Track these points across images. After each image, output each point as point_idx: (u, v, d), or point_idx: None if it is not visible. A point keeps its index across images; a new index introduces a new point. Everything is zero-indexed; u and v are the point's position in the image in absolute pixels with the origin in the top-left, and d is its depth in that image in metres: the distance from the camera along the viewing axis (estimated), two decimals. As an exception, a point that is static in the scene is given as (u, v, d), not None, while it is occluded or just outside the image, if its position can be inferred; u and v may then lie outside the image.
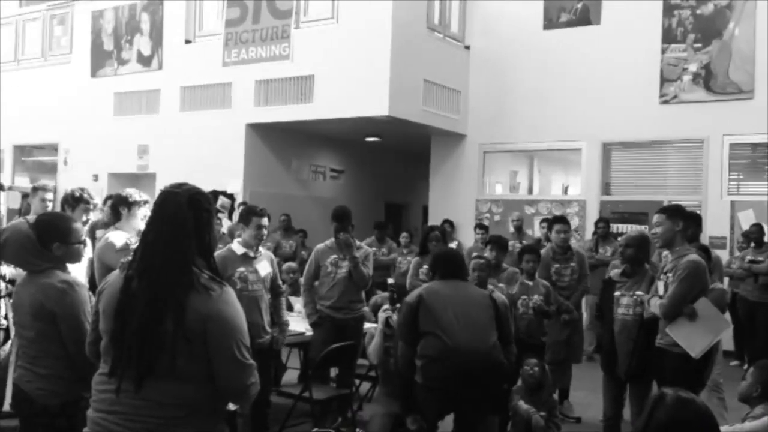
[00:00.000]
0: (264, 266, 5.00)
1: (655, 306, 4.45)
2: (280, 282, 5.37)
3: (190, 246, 2.18)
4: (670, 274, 4.44)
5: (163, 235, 2.18)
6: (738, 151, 9.38)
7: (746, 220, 8.93)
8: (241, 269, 4.87)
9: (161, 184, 2.45)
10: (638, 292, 4.80)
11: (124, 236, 4.35)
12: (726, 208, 9.25)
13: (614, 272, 5.13)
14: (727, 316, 5.59)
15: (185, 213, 2.19)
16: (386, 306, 5.17)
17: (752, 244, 8.23)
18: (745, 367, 7.55)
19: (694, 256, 4.44)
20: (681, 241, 4.54)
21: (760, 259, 8.03)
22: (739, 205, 9.22)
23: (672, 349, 4.37)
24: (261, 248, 5.10)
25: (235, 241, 5.10)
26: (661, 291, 4.53)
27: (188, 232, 2.19)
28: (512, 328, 5.31)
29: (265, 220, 4.99)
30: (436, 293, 4.24)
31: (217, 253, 4.90)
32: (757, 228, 8.33)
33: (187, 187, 2.27)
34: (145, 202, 4.43)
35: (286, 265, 7.60)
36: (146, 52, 12.18)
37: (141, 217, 4.36)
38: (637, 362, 4.73)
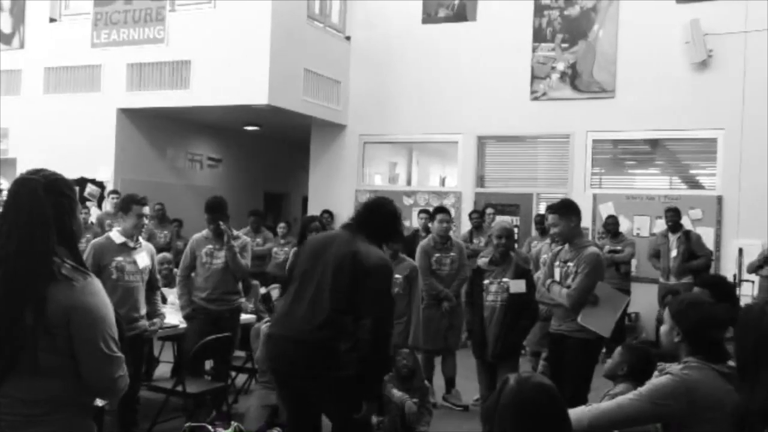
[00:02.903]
0: (143, 258, 4.85)
1: (560, 295, 4.75)
2: (158, 276, 5.23)
3: (49, 234, 2.07)
4: (570, 264, 4.78)
5: (18, 223, 2.06)
6: (600, 147, 9.96)
7: (607, 212, 9.52)
8: (119, 259, 4.71)
9: (22, 170, 2.34)
10: (504, 279, 5.07)
11: None
12: (589, 201, 9.77)
13: (482, 261, 5.36)
14: None
15: (42, 200, 2.08)
16: (267, 318, 5.16)
17: (609, 235, 8.82)
18: (604, 351, 8.04)
19: (594, 249, 4.84)
20: (578, 234, 4.89)
21: (619, 248, 8.60)
22: (601, 197, 9.80)
23: (573, 335, 4.71)
24: (142, 240, 4.96)
25: (114, 229, 4.94)
26: (557, 277, 4.82)
27: (47, 220, 2.07)
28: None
29: (146, 209, 4.88)
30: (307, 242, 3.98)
31: (94, 241, 4.83)
32: (613, 219, 8.93)
33: (45, 173, 2.16)
34: (0, 190, 4.15)
35: (160, 256, 7.31)
36: (6, 29, 11.38)
37: None
38: (503, 345, 5.00)
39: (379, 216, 3.77)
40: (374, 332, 3.36)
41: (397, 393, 5.06)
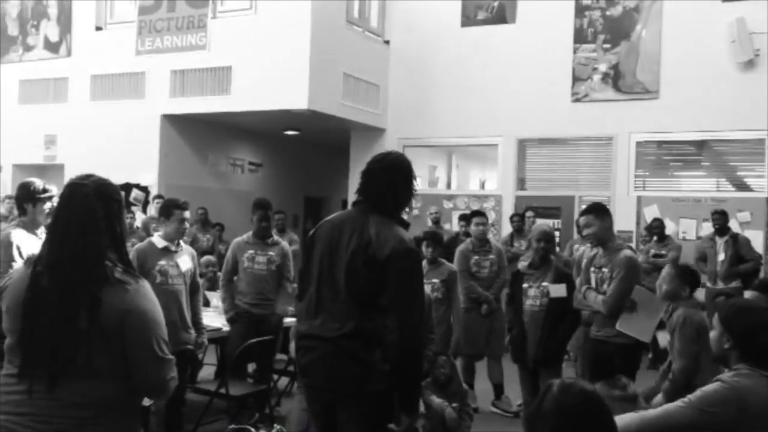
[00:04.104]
0: (185, 261, 4.89)
1: (596, 302, 4.65)
2: (199, 279, 5.28)
3: (101, 238, 2.11)
4: (605, 269, 4.68)
5: (71, 227, 2.11)
6: (644, 149, 9.80)
7: (651, 215, 9.35)
8: (162, 263, 4.74)
9: (70, 175, 2.40)
10: (544, 283, 5.02)
11: (25, 235, 4.13)
12: (632, 204, 9.63)
13: (521, 264, 5.31)
14: None
15: (94, 204, 2.13)
16: None
17: (655, 238, 8.65)
18: (650, 356, 7.89)
19: (628, 252, 4.73)
20: (611, 237, 4.81)
21: (663, 252, 8.45)
22: (645, 200, 9.64)
23: (612, 340, 4.60)
24: (183, 243, 4.99)
25: (156, 234, 4.97)
26: (593, 282, 4.74)
27: (98, 224, 2.12)
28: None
29: (187, 213, 4.90)
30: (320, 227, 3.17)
31: (137, 246, 4.87)
32: (659, 222, 8.77)
33: (94, 178, 2.21)
34: (51, 196, 4.23)
35: (204, 259, 7.47)
36: (54, 38, 11.68)
37: (46, 212, 4.17)
38: (544, 350, 4.94)
39: (380, 177, 3.08)
40: (401, 331, 2.83)
41: (436, 400, 5.03)
